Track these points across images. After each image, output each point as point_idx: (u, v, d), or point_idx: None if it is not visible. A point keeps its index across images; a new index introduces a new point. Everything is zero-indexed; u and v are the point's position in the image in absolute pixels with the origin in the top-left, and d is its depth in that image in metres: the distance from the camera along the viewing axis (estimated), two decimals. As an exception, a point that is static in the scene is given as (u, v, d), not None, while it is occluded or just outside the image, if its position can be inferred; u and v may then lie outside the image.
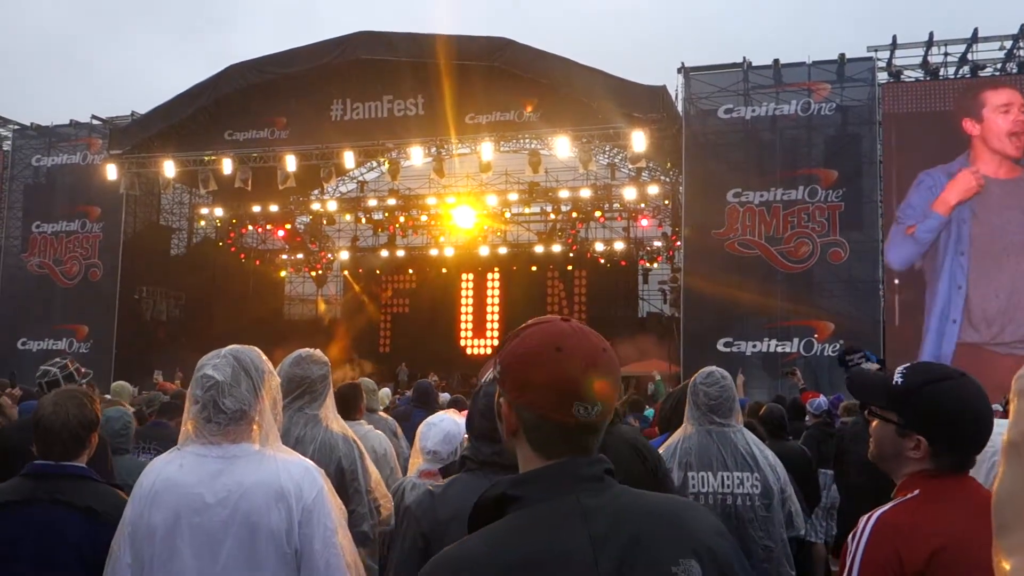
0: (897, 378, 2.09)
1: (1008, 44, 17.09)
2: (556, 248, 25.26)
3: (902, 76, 17.66)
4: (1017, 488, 0.65)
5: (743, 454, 4.02)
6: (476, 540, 1.39)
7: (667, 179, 21.94)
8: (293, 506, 2.36)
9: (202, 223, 25.99)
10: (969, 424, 2.02)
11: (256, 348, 2.60)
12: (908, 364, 2.15)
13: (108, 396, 8.06)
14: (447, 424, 4.00)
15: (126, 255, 22.01)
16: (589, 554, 1.34)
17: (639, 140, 17.22)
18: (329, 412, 3.71)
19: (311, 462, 2.55)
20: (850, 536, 1.96)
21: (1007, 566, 0.63)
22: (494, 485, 1.46)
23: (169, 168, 20.31)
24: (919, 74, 17.67)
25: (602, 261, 25.23)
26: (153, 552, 2.35)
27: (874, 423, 2.14)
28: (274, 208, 24.66)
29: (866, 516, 1.97)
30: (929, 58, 17.52)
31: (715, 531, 1.48)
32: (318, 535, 2.38)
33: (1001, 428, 2.50)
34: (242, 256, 26.94)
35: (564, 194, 23.35)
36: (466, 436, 3.95)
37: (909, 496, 1.98)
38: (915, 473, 2.03)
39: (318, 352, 3.74)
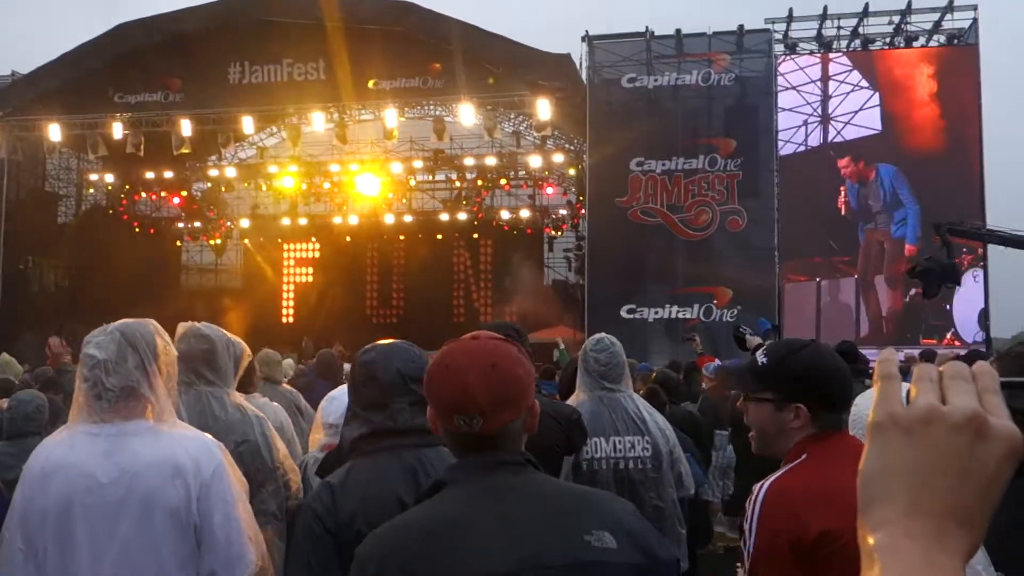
0: (761, 359, 2.23)
1: (896, 19, 17.76)
2: (462, 216, 25.17)
3: (797, 48, 18.17)
4: (881, 466, 0.69)
5: (633, 418, 4.13)
6: (409, 512, 1.68)
7: (572, 147, 22.10)
8: (191, 482, 2.32)
9: (91, 190, 24.89)
10: (835, 381, 2.18)
11: (151, 321, 2.52)
12: (766, 344, 2.28)
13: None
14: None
15: (9, 224, 20.93)
16: (507, 518, 1.56)
17: (544, 108, 17.25)
18: (230, 387, 3.58)
19: (209, 436, 2.50)
20: (747, 502, 2.04)
21: (871, 540, 0.67)
22: (433, 480, 1.73)
23: (55, 132, 19.33)
24: (813, 47, 18.20)
25: (507, 229, 25.31)
26: (46, 535, 2.27)
27: (749, 410, 2.24)
28: (169, 174, 23.75)
29: (759, 483, 2.06)
30: (823, 31, 18.07)
31: (628, 512, 1.69)
32: (217, 509, 2.34)
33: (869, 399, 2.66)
34: (135, 224, 25.92)
35: (469, 162, 23.25)
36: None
37: (798, 461, 2.07)
38: (801, 439, 2.12)
39: (200, 325, 3.59)
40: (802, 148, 17.65)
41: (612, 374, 4.16)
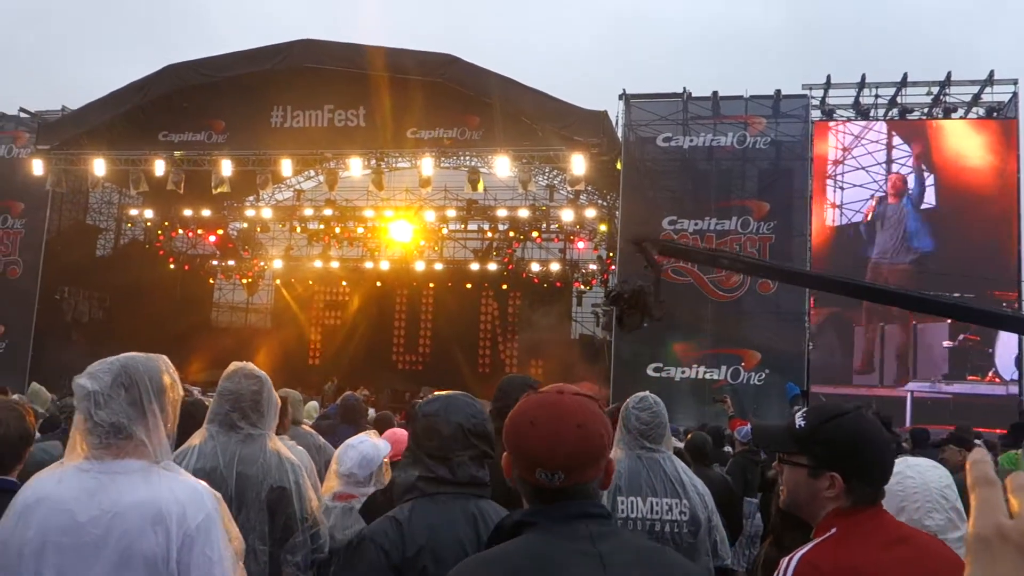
0: (799, 421, 2.12)
1: (935, 90, 17.76)
2: (492, 267, 25.26)
3: (835, 115, 18.20)
4: None
5: (672, 480, 4.00)
6: (499, 549, 1.64)
7: (604, 203, 22.17)
8: (173, 530, 2.15)
9: (130, 225, 25.34)
10: (874, 452, 2.07)
11: (162, 357, 2.38)
12: (807, 407, 2.19)
13: (19, 397, 7.76)
14: (366, 447, 3.92)
15: (49, 253, 21.32)
16: (599, 564, 1.57)
17: (579, 163, 17.37)
18: (270, 431, 3.53)
19: (204, 484, 2.33)
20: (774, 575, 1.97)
21: None
22: (510, 515, 1.73)
23: (99, 166, 19.76)
24: (851, 114, 18.22)
25: (537, 281, 25.33)
26: (20, 571, 2.15)
27: (784, 471, 2.16)
28: (206, 213, 24.15)
29: (787, 557, 1.98)
30: (860, 99, 18.09)
31: (695, 566, 1.75)
32: (197, 564, 2.16)
33: (918, 467, 2.57)
34: (171, 260, 26.32)
35: (502, 213, 23.40)
36: (386, 459, 3.92)
37: (827, 535, 2.00)
38: (831, 512, 2.04)
39: (250, 366, 3.54)
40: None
41: (653, 434, 4.06)
